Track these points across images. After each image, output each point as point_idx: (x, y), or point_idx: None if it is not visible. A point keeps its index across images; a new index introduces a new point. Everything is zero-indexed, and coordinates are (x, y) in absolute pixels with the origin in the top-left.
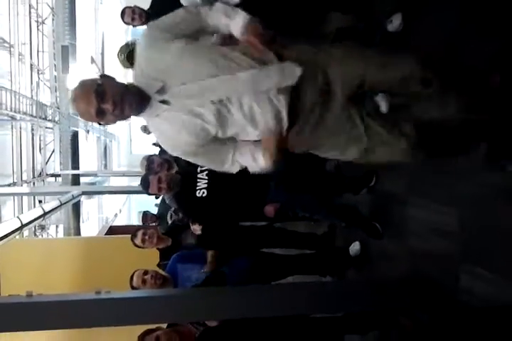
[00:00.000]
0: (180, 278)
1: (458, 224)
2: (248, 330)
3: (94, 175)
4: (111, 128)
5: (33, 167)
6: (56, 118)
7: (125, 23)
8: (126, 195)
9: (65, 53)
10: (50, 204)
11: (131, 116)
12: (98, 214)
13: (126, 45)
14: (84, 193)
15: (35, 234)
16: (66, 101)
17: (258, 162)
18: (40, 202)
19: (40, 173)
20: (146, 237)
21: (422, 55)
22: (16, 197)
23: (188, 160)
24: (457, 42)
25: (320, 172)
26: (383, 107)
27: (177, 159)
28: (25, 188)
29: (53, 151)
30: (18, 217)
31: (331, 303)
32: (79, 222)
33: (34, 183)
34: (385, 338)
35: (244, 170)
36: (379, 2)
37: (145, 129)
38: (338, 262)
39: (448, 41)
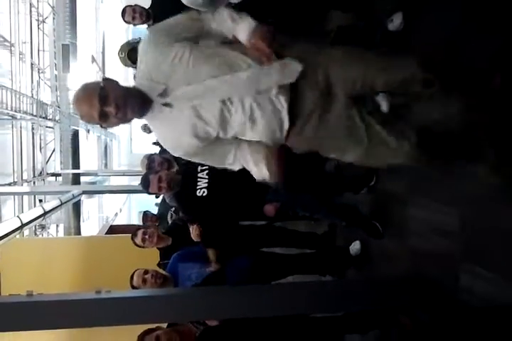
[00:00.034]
0: (181, 277)
1: (458, 224)
2: (248, 330)
3: (95, 174)
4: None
5: (34, 166)
6: (57, 118)
7: (126, 22)
8: (126, 195)
9: (66, 52)
10: (51, 203)
11: (134, 119)
12: (98, 214)
13: (127, 43)
14: (84, 192)
15: (35, 234)
16: (67, 100)
17: (262, 172)
18: (40, 201)
19: (41, 172)
20: (147, 236)
21: (423, 57)
22: (16, 197)
23: (189, 160)
24: (458, 42)
25: (320, 172)
26: (384, 107)
27: (177, 158)
28: (25, 187)
29: (54, 150)
30: (18, 217)
31: (331, 303)
32: (79, 221)
33: (34, 182)
34: (385, 337)
35: (244, 170)
36: (380, 1)
37: (145, 128)
38: (339, 261)
39: (449, 40)
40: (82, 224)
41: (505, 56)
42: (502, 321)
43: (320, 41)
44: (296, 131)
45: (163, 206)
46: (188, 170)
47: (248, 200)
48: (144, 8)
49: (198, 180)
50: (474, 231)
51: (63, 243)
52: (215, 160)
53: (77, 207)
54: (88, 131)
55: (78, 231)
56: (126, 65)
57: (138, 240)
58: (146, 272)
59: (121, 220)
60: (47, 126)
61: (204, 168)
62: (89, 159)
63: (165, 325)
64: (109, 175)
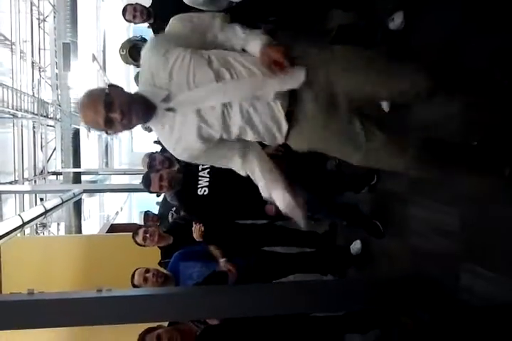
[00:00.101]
0: (182, 276)
1: (459, 224)
2: (249, 329)
3: (96, 173)
4: None
5: (35, 165)
6: (57, 116)
7: (126, 20)
8: (127, 193)
9: (67, 51)
10: (52, 202)
11: (138, 125)
12: (99, 212)
13: (128, 40)
14: (85, 191)
15: (36, 232)
16: (67, 98)
17: (273, 198)
18: (41, 200)
19: (42, 171)
20: (148, 235)
21: (426, 63)
22: (17, 195)
23: (194, 163)
24: (458, 41)
25: (321, 171)
26: (384, 106)
27: None
28: (26, 186)
29: (55, 149)
30: (19, 215)
31: (332, 302)
32: (80, 220)
33: (35, 181)
34: (386, 337)
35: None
36: (380, 0)
37: (146, 127)
38: (339, 261)
39: (449, 40)
40: (83, 222)
41: (505, 55)
42: (502, 320)
43: (321, 40)
44: (295, 132)
45: (164, 206)
46: (189, 168)
47: (249, 199)
48: (145, 7)
49: (199, 178)
50: (474, 231)
51: (64, 241)
52: (220, 162)
53: (78, 206)
54: (89, 130)
55: (79, 230)
56: (127, 62)
57: (139, 239)
58: (147, 271)
59: (122, 219)
60: (48, 125)
61: (205, 166)
62: (90, 158)
63: (166, 324)
64: (110, 174)
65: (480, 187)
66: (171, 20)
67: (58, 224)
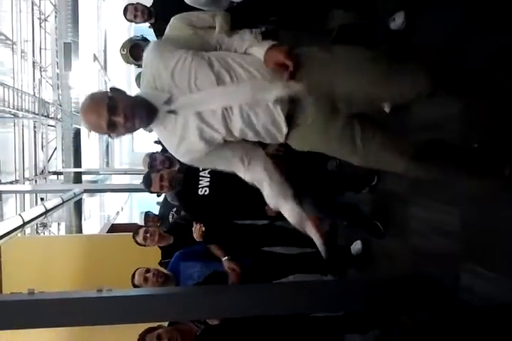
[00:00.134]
0: (182, 276)
1: (459, 224)
2: (249, 329)
3: (96, 172)
4: None
5: (35, 164)
6: (58, 116)
7: (128, 20)
8: (128, 193)
9: (68, 50)
10: (52, 201)
11: (141, 128)
12: (100, 212)
13: (129, 40)
14: (86, 191)
15: (37, 232)
16: (68, 98)
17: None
18: (42, 199)
19: (42, 171)
20: (148, 235)
21: (426, 65)
22: (18, 195)
23: (196, 166)
24: (459, 41)
25: (321, 171)
26: (385, 108)
27: None
28: (27, 186)
29: (55, 149)
30: (20, 215)
31: (332, 302)
32: (81, 219)
33: (36, 181)
34: (386, 337)
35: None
36: (381, 0)
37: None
38: (340, 261)
39: (450, 40)
40: (83, 222)
41: (506, 55)
42: (502, 320)
43: (322, 40)
44: (295, 134)
45: (164, 206)
46: (189, 168)
47: (250, 199)
48: (146, 7)
49: (200, 178)
50: (475, 231)
51: (65, 241)
52: (223, 166)
53: (78, 206)
54: (90, 130)
55: (80, 230)
56: (128, 61)
57: (139, 238)
58: (147, 271)
59: (122, 219)
60: (49, 125)
61: None
62: (90, 157)
63: (166, 324)
64: (111, 174)
65: (480, 188)
66: (172, 19)
67: (59, 224)
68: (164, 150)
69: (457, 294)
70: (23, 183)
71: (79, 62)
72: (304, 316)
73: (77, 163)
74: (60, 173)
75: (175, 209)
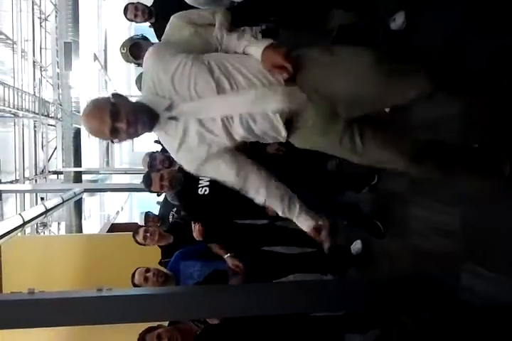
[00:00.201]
0: (183, 275)
1: (459, 224)
2: (249, 329)
3: (96, 172)
4: None
5: (35, 164)
6: (58, 116)
7: (128, 19)
8: (128, 193)
9: (68, 50)
10: (52, 201)
11: (143, 134)
12: (100, 212)
13: (129, 38)
14: (86, 190)
15: (37, 232)
16: (69, 98)
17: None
18: (42, 199)
19: (43, 170)
20: (148, 234)
21: (426, 65)
22: (18, 194)
23: (200, 174)
24: (459, 41)
25: (321, 170)
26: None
27: None
28: (27, 185)
29: (55, 148)
30: (20, 214)
31: (332, 302)
32: (81, 219)
33: (36, 180)
34: (386, 337)
35: None
36: (382, 0)
37: None
38: (340, 260)
39: (450, 40)
40: (83, 222)
41: (506, 55)
42: (502, 320)
43: (322, 40)
44: (296, 135)
45: (164, 206)
46: None
47: (250, 199)
48: (146, 6)
49: (200, 178)
50: (475, 231)
51: (65, 241)
52: (223, 174)
53: (78, 205)
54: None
55: (80, 229)
56: (127, 60)
57: (139, 238)
58: (147, 270)
59: (122, 218)
60: (49, 124)
61: None
62: (90, 157)
63: (166, 323)
64: (111, 173)
65: (480, 188)
66: (171, 18)
67: (59, 224)
68: (164, 149)
69: (457, 294)
70: (23, 183)
71: (79, 62)
72: (304, 316)
73: (77, 162)
74: (60, 173)
75: (175, 209)
